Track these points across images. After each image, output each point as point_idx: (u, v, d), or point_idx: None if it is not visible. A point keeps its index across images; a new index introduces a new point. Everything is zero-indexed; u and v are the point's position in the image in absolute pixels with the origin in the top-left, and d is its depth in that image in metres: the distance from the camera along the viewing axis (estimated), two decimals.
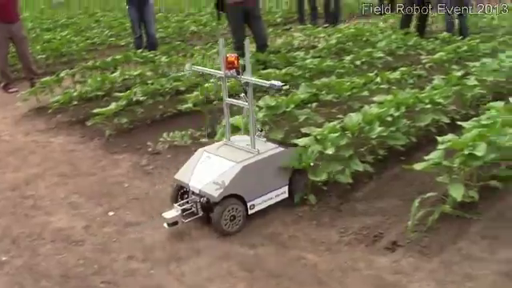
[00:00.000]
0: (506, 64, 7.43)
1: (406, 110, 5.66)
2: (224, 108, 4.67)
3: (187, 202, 4.41)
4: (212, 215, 4.23)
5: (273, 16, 15.74)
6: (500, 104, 5.41)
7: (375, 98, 5.93)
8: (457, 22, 11.50)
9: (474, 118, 5.15)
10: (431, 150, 4.55)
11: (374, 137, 5.07)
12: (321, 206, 4.59)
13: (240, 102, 4.57)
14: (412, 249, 3.92)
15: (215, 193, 4.18)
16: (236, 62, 4.40)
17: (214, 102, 6.61)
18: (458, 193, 4.13)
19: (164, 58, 9.16)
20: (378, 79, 7.04)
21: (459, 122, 5.22)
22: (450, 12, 11.38)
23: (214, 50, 9.77)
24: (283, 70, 7.31)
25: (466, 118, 5.66)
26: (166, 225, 4.27)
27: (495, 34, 10.97)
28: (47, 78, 8.38)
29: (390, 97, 5.76)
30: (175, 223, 4.26)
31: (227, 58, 4.44)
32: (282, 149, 4.60)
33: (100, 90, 7.71)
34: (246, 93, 4.43)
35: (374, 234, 4.15)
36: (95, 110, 6.66)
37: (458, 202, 4.17)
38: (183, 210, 4.33)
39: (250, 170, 4.32)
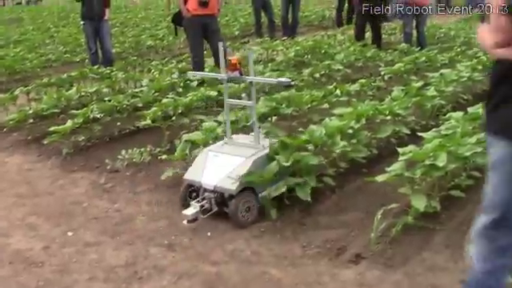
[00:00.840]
0: (464, 74, 7.53)
1: (367, 121, 5.67)
2: (225, 108, 5.01)
3: (203, 199, 4.61)
4: (228, 209, 4.50)
5: (230, 29, 15.72)
6: (459, 114, 5.46)
7: (335, 111, 5.92)
8: (415, 32, 11.62)
9: (434, 129, 5.19)
10: (393, 162, 4.55)
11: (337, 150, 5.05)
12: (283, 221, 4.54)
13: (242, 101, 5.06)
14: (376, 261, 3.90)
15: (232, 186, 4.46)
16: (238, 63, 4.77)
17: (173, 118, 6.54)
18: (420, 204, 4.13)
19: (120, 74, 9.05)
20: (338, 91, 7.04)
21: (419, 133, 5.25)
22: (407, 23, 11.49)
23: (172, 65, 9.70)
24: (242, 84, 7.28)
25: (427, 129, 5.70)
26: (185, 222, 4.47)
27: (453, 45, 11.15)
28: (1, 96, 8.20)
29: (349, 109, 5.76)
30: (195, 219, 4.48)
31: (230, 60, 4.78)
32: (272, 140, 4.98)
33: (56, 107, 7.56)
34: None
35: (337, 247, 4.12)
36: (51, 128, 6.51)
37: (420, 212, 4.17)
38: (200, 206, 4.54)
39: (259, 164, 4.62)
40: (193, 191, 4.77)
